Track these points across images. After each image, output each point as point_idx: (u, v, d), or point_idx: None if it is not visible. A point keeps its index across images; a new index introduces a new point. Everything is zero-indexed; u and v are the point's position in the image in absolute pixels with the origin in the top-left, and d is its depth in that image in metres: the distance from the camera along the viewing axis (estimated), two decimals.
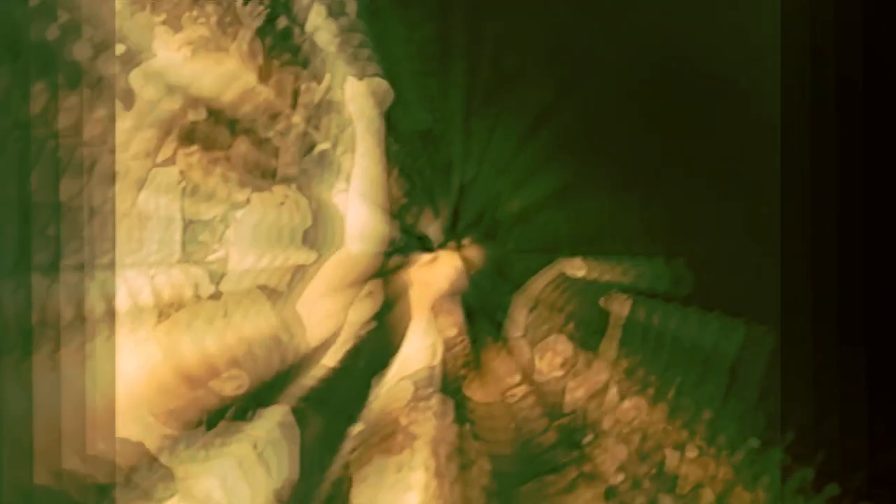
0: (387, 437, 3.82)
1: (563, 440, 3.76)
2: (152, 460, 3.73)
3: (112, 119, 3.72)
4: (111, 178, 3.70)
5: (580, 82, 3.84)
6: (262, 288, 3.93)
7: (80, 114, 3.63)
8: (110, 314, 3.65)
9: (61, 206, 3.57)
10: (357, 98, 3.93)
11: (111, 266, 3.66)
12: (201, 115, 3.89)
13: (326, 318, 3.98)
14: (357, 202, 3.97)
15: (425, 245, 3.98)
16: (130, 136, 3.77)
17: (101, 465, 3.59)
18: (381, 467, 3.77)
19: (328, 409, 3.93)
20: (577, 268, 3.80)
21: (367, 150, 3.97)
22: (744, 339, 3.58)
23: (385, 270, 3.99)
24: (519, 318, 3.86)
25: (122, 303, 3.76)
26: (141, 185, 3.84)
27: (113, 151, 3.67)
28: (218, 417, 3.85)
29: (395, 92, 3.88)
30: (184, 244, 3.89)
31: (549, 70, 3.86)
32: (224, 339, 3.88)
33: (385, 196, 3.98)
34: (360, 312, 3.98)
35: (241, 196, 3.90)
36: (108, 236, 3.69)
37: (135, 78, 3.75)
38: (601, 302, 3.74)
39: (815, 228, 3.56)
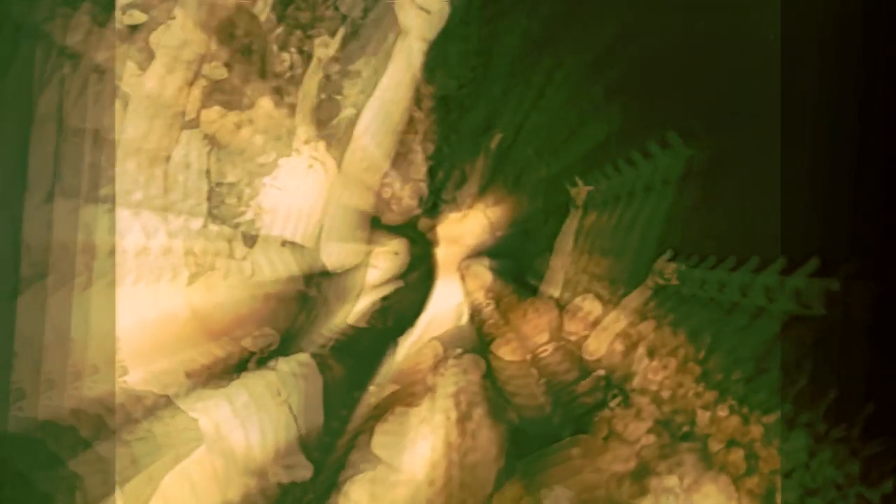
0: (412, 393, 3.81)
1: (592, 398, 3.72)
2: (169, 402, 3.78)
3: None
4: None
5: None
6: (291, 246, 3.95)
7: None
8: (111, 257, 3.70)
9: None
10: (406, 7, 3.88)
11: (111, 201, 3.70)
12: (223, 73, 3.91)
13: (346, 255, 3.98)
14: (366, 133, 3.93)
15: (453, 207, 3.97)
16: (162, 81, 3.81)
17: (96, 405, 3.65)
18: (403, 417, 3.79)
19: (352, 363, 3.93)
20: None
21: (394, 76, 3.93)
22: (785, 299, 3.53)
23: (413, 231, 3.99)
24: (556, 278, 3.83)
25: (151, 251, 3.81)
26: (171, 129, 3.88)
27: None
28: (242, 366, 3.89)
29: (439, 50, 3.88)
30: (211, 206, 3.91)
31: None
32: (253, 297, 3.89)
33: (394, 132, 3.94)
34: (386, 272, 3.98)
35: (267, 159, 3.91)
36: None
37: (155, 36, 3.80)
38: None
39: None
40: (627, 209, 3.72)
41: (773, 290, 3.59)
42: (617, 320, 3.73)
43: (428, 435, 3.76)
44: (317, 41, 3.92)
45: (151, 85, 3.87)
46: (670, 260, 3.63)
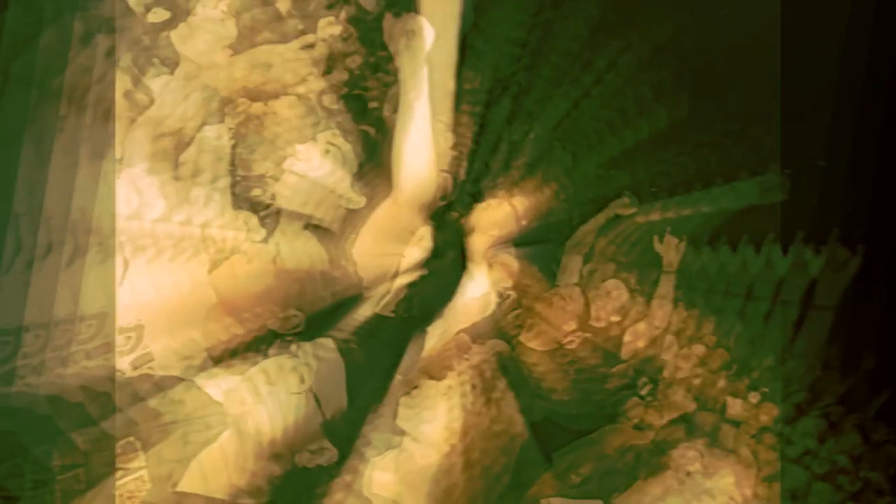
0: (437, 371, 3.81)
1: (621, 386, 3.70)
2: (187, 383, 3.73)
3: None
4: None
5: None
6: (314, 229, 3.93)
7: None
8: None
9: None
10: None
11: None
12: (245, 71, 3.92)
13: (380, 257, 3.96)
14: (406, 152, 3.97)
15: (477, 198, 3.97)
16: (179, 95, 3.81)
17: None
18: (426, 390, 3.80)
19: (377, 350, 3.90)
20: (626, 207, 3.78)
21: (409, 101, 3.98)
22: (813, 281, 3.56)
23: (438, 221, 3.97)
24: (572, 266, 3.83)
25: (171, 229, 3.79)
26: (189, 140, 3.87)
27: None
28: (266, 344, 3.85)
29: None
30: (234, 192, 3.90)
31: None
32: (277, 278, 3.86)
33: (430, 147, 3.97)
34: (411, 260, 3.95)
35: (289, 149, 3.91)
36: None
37: (177, 35, 3.80)
38: (656, 246, 3.72)
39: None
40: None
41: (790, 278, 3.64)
42: (648, 311, 3.74)
43: (452, 405, 3.78)
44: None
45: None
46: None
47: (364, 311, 3.93)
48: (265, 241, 3.89)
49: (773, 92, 3.60)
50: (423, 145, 3.99)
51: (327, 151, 3.92)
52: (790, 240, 3.59)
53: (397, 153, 3.97)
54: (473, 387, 3.81)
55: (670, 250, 3.70)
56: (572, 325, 3.78)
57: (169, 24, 3.87)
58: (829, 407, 3.52)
